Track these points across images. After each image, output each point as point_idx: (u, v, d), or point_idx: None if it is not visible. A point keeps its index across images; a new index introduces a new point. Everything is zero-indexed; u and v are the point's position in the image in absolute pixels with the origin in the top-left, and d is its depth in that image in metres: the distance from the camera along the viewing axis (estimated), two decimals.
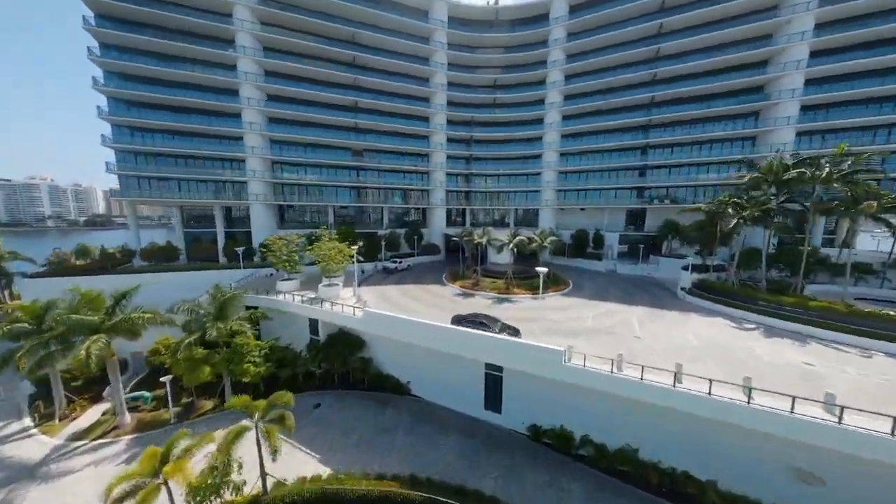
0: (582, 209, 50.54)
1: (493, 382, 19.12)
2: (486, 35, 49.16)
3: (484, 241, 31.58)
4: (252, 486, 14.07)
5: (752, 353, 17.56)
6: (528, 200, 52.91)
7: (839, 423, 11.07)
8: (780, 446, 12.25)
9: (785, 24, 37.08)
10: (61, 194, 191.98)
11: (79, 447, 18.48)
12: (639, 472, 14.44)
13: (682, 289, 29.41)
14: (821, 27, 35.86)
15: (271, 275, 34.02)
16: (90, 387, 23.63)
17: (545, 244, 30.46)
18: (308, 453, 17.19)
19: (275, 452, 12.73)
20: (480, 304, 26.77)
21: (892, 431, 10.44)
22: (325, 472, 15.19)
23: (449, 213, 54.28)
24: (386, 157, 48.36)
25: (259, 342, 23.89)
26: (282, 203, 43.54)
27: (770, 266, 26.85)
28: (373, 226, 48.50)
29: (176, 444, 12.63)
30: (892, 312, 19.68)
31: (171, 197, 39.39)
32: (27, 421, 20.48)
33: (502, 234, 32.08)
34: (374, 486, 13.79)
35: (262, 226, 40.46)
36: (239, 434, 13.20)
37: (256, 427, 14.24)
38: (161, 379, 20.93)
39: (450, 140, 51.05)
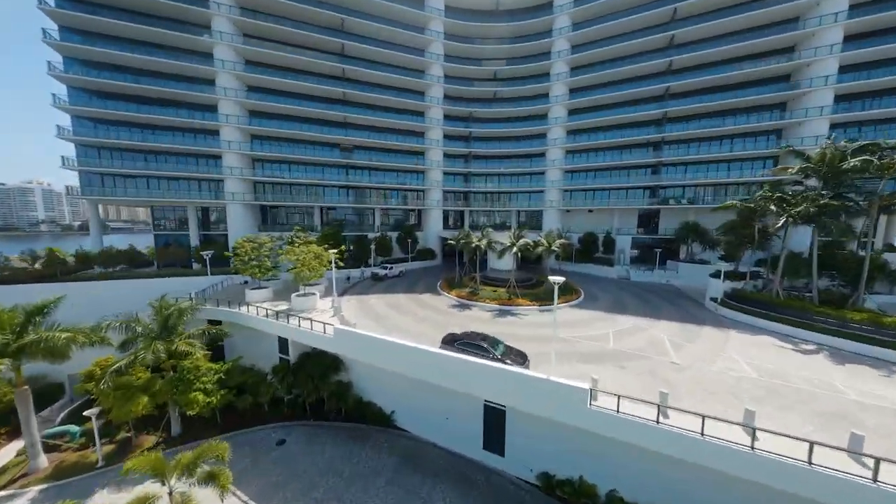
0: (590, 211, 46.75)
1: (495, 418, 15.19)
2: (486, 25, 45.87)
3: (483, 244, 27.76)
4: None
5: (832, 387, 13.56)
6: (532, 201, 49.19)
7: None
8: None
9: (815, 6, 33.61)
10: (56, 199, 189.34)
11: None
12: None
13: (713, 299, 25.44)
14: (856, 7, 32.33)
15: (246, 282, 30.18)
16: (9, 418, 19.72)
17: (553, 248, 26.66)
18: None
19: None
20: (479, 317, 22.84)
21: None
22: None
23: (446, 215, 50.56)
24: (378, 155, 44.80)
25: (214, 364, 20.00)
26: (263, 203, 39.84)
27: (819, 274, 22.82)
28: (365, 229, 44.75)
29: None
30: None
31: (139, 196, 35.74)
32: None
33: (504, 237, 28.29)
34: None
35: (240, 228, 36.69)
36: None
37: (171, 496, 10.43)
38: (85, 413, 17.04)
39: (447, 136, 47.54)
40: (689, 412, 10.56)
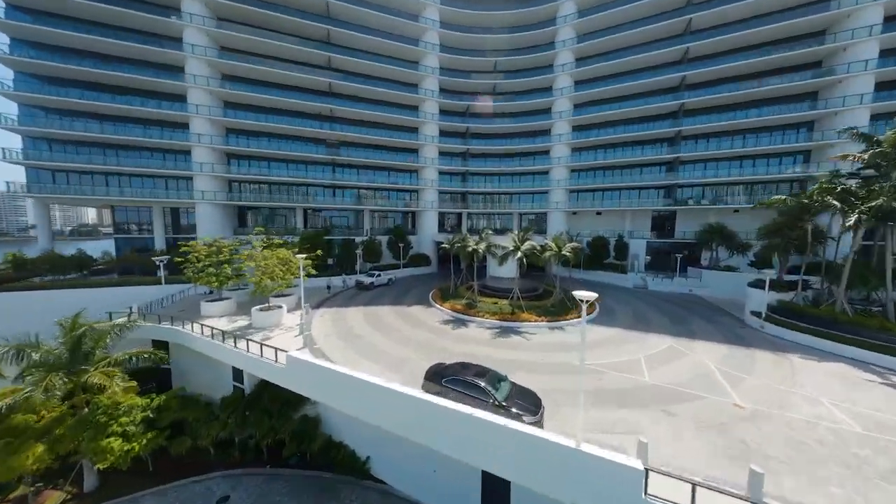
0: (598, 213, 42.92)
1: (496, 487, 11.12)
2: (485, 13, 42.55)
3: (481, 248, 23.77)
4: None
5: None
6: (535, 203, 45.38)
7: None
8: None
9: None
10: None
11: None
12: None
13: (755, 314, 21.38)
14: None
15: (211, 292, 26.10)
16: None
17: (564, 252, 22.68)
18: None
19: None
20: (476, 337, 18.73)
21: None
22: None
23: (442, 218, 46.73)
24: (367, 152, 41.08)
25: (140, 399, 15.93)
26: (238, 203, 35.96)
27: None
28: (354, 232, 40.82)
29: None
30: None
31: (97, 195, 31.88)
32: None
33: (505, 240, 24.34)
34: None
35: (212, 231, 32.64)
36: None
37: None
38: None
39: (443, 133, 43.92)
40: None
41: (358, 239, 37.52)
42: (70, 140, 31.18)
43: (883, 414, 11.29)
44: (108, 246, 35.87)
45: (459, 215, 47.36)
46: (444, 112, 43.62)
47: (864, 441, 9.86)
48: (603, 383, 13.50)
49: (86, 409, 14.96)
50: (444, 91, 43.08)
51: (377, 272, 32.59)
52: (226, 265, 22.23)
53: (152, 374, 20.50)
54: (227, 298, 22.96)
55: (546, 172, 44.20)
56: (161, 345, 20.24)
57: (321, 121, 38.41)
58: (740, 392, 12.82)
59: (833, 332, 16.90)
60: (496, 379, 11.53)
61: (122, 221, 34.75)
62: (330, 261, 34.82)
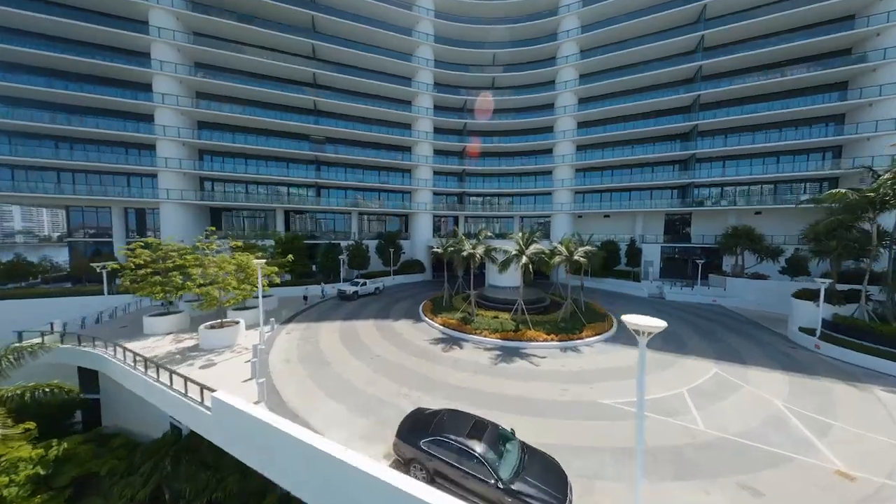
0: (606, 216, 39.71)
1: None
2: (483, 2, 39.83)
3: (479, 252, 20.28)
4: None
5: None
6: (538, 205, 42.14)
7: None
8: None
9: None
10: (34, 209, 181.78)
11: None
12: None
13: (805, 331, 17.92)
14: None
15: (170, 303, 22.35)
16: None
17: (577, 257, 19.25)
18: None
19: None
20: (472, 362, 15.10)
21: None
22: None
23: (438, 222, 43.37)
24: (355, 149, 37.80)
25: (30, 449, 12.21)
26: (210, 204, 32.48)
27: None
28: (340, 236, 37.35)
29: None
30: None
31: (46, 193, 28.34)
32: None
33: (507, 244, 20.92)
34: None
35: (178, 234, 29.19)
36: None
37: None
38: None
39: (438, 130, 40.83)
40: None
41: (344, 243, 34.02)
42: (14, 131, 27.74)
43: None
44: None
45: (456, 219, 44.01)
46: (439, 107, 40.60)
47: None
48: (646, 437, 9.87)
49: None
50: (439, 85, 40.11)
51: (361, 280, 29.01)
52: (174, 273, 18.60)
53: (75, 407, 16.80)
54: (177, 312, 19.32)
55: (549, 172, 41.08)
56: (90, 373, 16.64)
57: (304, 114, 35.18)
58: (836, 448, 9.26)
59: None
60: (499, 439, 7.94)
61: (79, 224, 31.13)
62: (313, 267, 31.31)
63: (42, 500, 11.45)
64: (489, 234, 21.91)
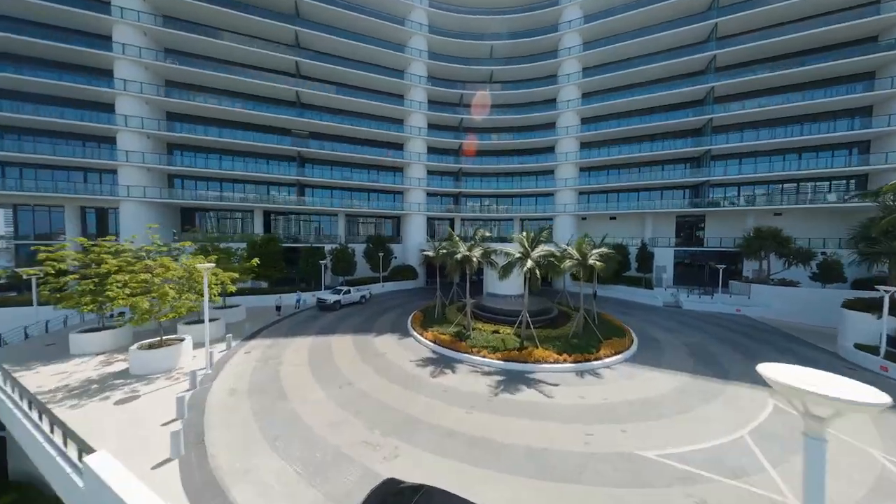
0: (612, 217, 37.01)
1: None
2: None
3: (476, 255, 17.30)
4: None
5: None
6: (539, 207, 39.41)
7: None
8: None
9: None
10: None
11: None
12: None
13: (860, 347, 15.05)
14: None
15: (121, 314, 19.03)
16: None
17: (591, 261, 16.37)
18: None
19: None
20: (468, 392, 11.99)
21: None
22: None
23: (432, 225, 40.46)
24: (342, 146, 34.96)
25: None
26: (179, 202, 29.42)
27: None
28: (329, 239, 34.28)
29: None
30: None
31: None
32: None
33: (510, 247, 18.01)
34: None
35: (141, 236, 26.05)
36: None
37: None
38: None
39: (432, 126, 38.18)
40: None
41: (328, 247, 30.96)
42: None
43: None
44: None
45: (452, 221, 41.14)
46: (433, 102, 38.00)
47: None
48: None
49: None
50: (433, 78, 37.57)
51: (345, 288, 25.92)
52: (111, 281, 15.43)
53: None
54: (112, 328, 16.09)
55: (551, 171, 38.44)
56: None
57: (287, 107, 32.37)
58: None
59: None
60: None
61: (29, 225, 27.86)
62: (293, 274, 28.17)
63: None
64: (487, 233, 18.96)
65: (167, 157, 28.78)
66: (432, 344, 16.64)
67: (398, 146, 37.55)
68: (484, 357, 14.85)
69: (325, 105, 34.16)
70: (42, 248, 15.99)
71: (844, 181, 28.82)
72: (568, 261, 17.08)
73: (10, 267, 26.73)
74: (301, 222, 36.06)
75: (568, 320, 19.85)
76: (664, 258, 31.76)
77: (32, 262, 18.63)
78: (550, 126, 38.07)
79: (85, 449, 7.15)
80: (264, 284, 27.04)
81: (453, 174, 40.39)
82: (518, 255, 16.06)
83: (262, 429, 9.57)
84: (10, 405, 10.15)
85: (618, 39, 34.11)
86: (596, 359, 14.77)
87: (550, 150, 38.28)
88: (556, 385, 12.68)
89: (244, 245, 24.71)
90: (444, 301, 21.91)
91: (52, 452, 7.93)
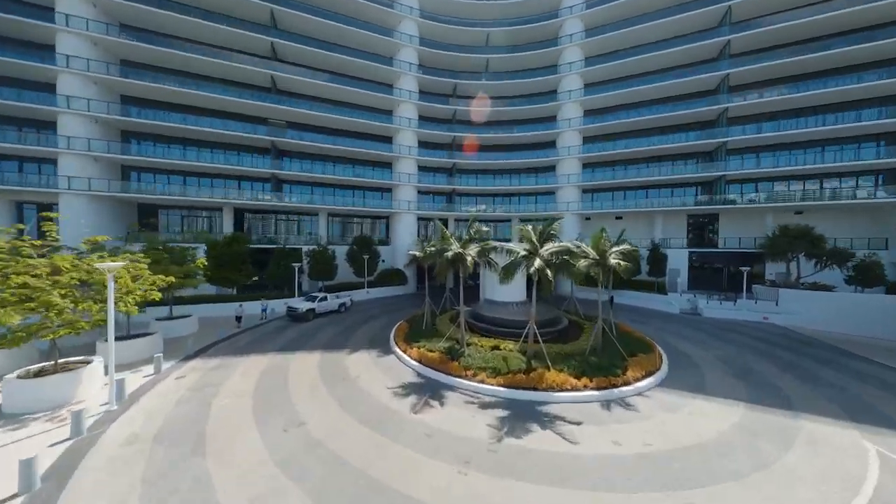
0: (618, 217, 34.29)
1: None
2: None
3: (471, 254, 14.15)
4: None
5: None
6: (539, 206, 36.57)
7: None
8: None
9: None
10: None
11: None
12: None
13: None
14: None
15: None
16: None
17: (612, 261, 13.40)
18: None
19: None
20: (461, 437, 8.63)
21: None
22: None
23: (425, 226, 37.36)
24: (323, 137, 31.76)
25: None
26: (134, 197, 25.93)
27: None
28: (311, 240, 30.89)
29: None
30: None
31: None
32: None
33: (513, 244, 14.90)
34: None
35: (87, 234, 22.45)
36: None
37: None
38: None
39: (423, 118, 35.30)
40: None
41: (305, 248, 27.64)
42: None
43: None
44: None
45: (445, 221, 38.00)
46: (425, 92, 35.17)
47: None
48: None
49: None
50: (425, 66, 34.78)
51: (322, 294, 22.58)
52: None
53: None
54: None
55: (553, 168, 35.74)
56: None
57: (260, 91, 29.18)
58: None
59: None
60: None
61: None
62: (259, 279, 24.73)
63: None
64: (482, 226, 15.85)
65: (120, 145, 25.33)
66: (417, 364, 13.39)
67: (387, 139, 34.53)
68: (482, 383, 11.64)
69: (304, 92, 31.07)
70: None
71: (873, 176, 26.45)
72: (583, 260, 14.04)
73: None
74: (278, 222, 32.66)
75: (580, 332, 16.80)
76: (677, 260, 28.98)
77: None
78: (551, 119, 35.46)
79: None
80: (233, 291, 23.61)
81: (447, 170, 37.44)
82: (524, 252, 12.97)
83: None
84: None
85: (623, 25, 31.75)
86: (624, 383, 11.65)
87: (552, 144, 35.61)
88: (578, 424, 9.49)
89: (205, 246, 21.29)
90: (434, 309, 18.68)
91: None
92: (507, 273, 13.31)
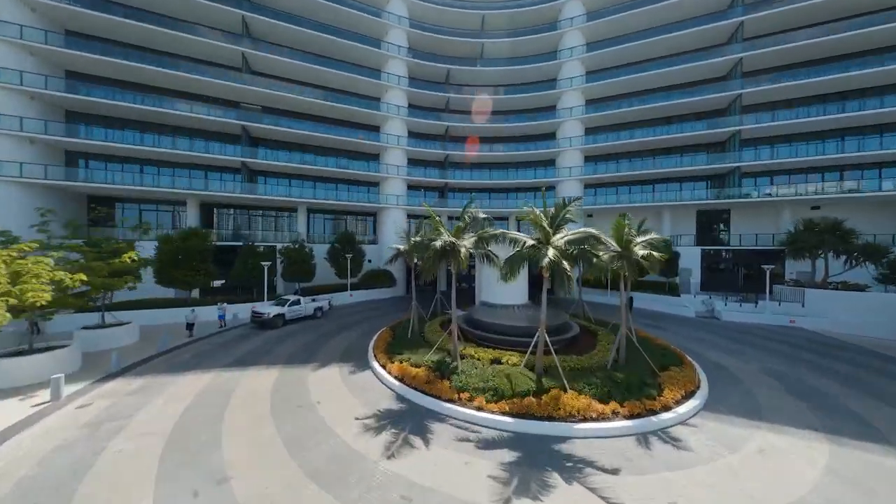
0: (622, 214, 31.75)
1: None
2: None
3: (465, 245, 11.46)
4: None
5: None
6: (538, 201, 33.90)
7: None
8: None
9: None
10: None
11: None
12: None
13: None
14: None
15: None
16: None
17: (637, 255, 10.94)
18: None
19: None
20: (453, 497, 6.03)
21: None
22: None
23: (415, 222, 34.53)
24: (302, 123, 28.82)
25: None
26: (86, 186, 22.71)
27: None
28: (289, 238, 27.82)
29: None
30: None
31: None
32: None
33: (517, 233, 12.30)
34: None
35: (16, 227, 19.09)
36: None
37: None
38: None
39: (414, 106, 32.69)
40: None
41: (279, 246, 24.68)
42: None
43: None
44: None
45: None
46: (415, 78, 32.58)
47: None
48: None
49: None
50: (415, 50, 32.22)
51: (294, 297, 19.66)
52: None
53: None
54: None
55: (552, 161, 33.41)
56: None
57: (230, 70, 26.23)
58: None
59: None
60: None
61: None
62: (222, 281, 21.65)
63: None
64: (480, 213, 13.20)
65: (65, 126, 22.12)
66: (398, 383, 10.61)
67: (374, 128, 31.77)
68: (480, 409, 8.89)
69: (281, 74, 28.22)
70: None
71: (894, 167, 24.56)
72: (603, 253, 11.49)
73: None
74: (253, 218, 29.61)
75: (594, 341, 14.20)
76: (690, 259, 26.72)
77: None
78: (551, 109, 33.14)
79: None
80: (194, 294, 20.50)
81: (439, 163, 34.81)
82: (532, 242, 10.35)
83: None
84: None
85: (627, 7, 29.63)
86: (663, 407, 9.02)
87: (552, 136, 33.27)
88: (615, 472, 6.79)
89: (144, 242, 18.23)
90: (422, 314, 15.94)
91: None
92: (511, 270, 10.61)
